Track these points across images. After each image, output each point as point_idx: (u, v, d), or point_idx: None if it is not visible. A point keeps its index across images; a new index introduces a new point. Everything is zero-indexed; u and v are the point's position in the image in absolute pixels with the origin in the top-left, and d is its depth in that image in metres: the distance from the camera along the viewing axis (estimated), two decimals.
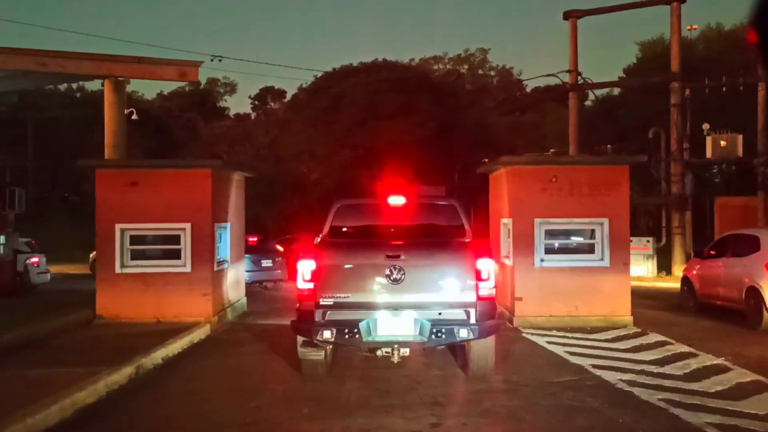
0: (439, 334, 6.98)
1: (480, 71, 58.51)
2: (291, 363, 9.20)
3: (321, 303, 7.10)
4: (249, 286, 17.67)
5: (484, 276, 7.10)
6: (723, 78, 25.13)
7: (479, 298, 7.09)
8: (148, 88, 64.40)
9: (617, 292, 11.95)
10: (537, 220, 12.01)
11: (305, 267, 7.14)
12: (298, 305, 7.32)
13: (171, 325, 11.51)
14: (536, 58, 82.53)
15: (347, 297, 7.11)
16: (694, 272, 13.73)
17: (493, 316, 7.33)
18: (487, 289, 7.13)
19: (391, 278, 7.06)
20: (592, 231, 12.08)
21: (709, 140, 24.49)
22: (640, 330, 11.48)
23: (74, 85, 48.01)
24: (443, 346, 8.30)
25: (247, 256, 17.48)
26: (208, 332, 11.62)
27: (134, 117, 17.99)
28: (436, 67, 55.11)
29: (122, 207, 11.95)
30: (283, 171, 32.12)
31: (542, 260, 12.02)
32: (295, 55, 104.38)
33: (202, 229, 11.98)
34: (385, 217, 8.29)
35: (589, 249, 12.16)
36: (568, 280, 11.97)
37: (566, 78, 21.77)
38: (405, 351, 7.18)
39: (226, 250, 13.16)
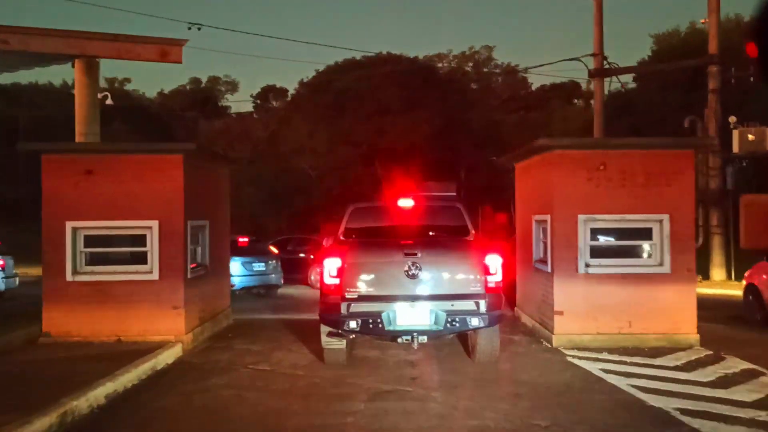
0: (454, 323, 7.55)
1: (485, 69, 56.08)
2: (275, 403, 6.74)
3: (347, 296, 7.58)
4: (238, 293, 15.24)
5: (491, 270, 7.63)
6: (750, 68, 22.66)
7: (488, 290, 7.63)
8: (149, 87, 62.14)
9: (680, 305, 9.47)
10: (581, 217, 9.54)
11: (332, 264, 7.61)
12: (323, 299, 7.76)
13: (133, 346, 9.09)
14: (542, 55, 79.83)
15: (370, 291, 7.62)
16: (764, 277, 11.24)
17: (500, 306, 7.81)
18: (494, 282, 7.65)
19: (409, 273, 7.60)
20: (649, 230, 9.61)
21: (736, 134, 22.03)
22: (711, 352, 9.00)
23: (69, 82, 45.61)
24: (452, 336, 8.82)
25: (236, 259, 15.05)
26: (178, 354, 9.17)
27: (109, 102, 15.56)
28: (440, 65, 52.63)
29: (74, 201, 9.52)
30: (283, 168, 29.69)
31: (587, 266, 9.54)
32: (296, 50, 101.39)
33: (172, 227, 9.54)
34: (395, 219, 8.74)
35: (645, 252, 9.70)
36: (619, 289, 9.50)
37: (589, 64, 19.29)
38: (423, 338, 7.71)
39: (204, 252, 10.70)
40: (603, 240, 9.76)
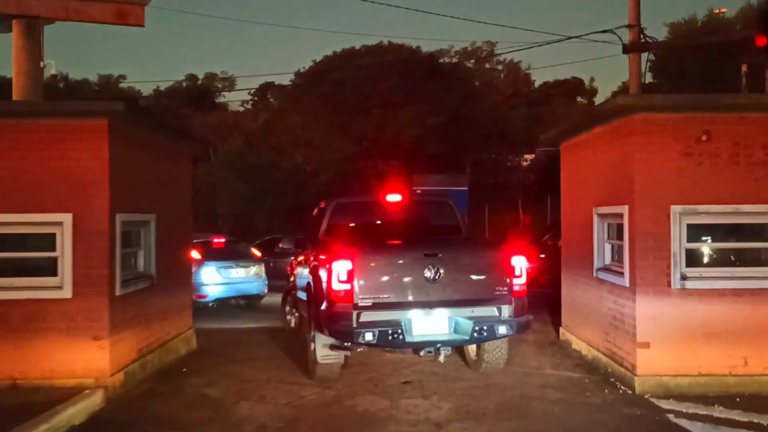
0: (482, 332, 6.43)
1: (487, 65, 53.20)
2: None
3: (359, 304, 6.33)
4: (212, 306, 12.20)
5: (517, 273, 6.67)
6: None
7: (514, 294, 6.64)
8: (144, 84, 59.19)
9: None
10: (675, 209, 6.48)
11: (341, 267, 6.35)
12: (328, 307, 6.44)
13: (32, 395, 6.09)
14: (544, 53, 76.45)
15: (386, 297, 6.41)
16: None
17: (525, 311, 6.75)
18: (519, 285, 6.68)
19: (429, 277, 6.45)
20: None
21: None
22: None
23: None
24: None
25: (210, 264, 12.05)
26: (96, 407, 6.11)
27: (53, 72, 12.48)
28: (441, 61, 49.60)
29: None
30: (276, 161, 26.58)
31: (684, 278, 6.48)
32: (290, 42, 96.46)
33: (92, 223, 6.46)
34: (382, 215, 7.96)
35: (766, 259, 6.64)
36: (729, 312, 6.44)
37: (618, 39, 16.21)
38: (447, 350, 6.63)
39: (148, 257, 7.61)
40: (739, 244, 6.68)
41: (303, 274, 8.15)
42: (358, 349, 6.82)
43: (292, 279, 9.43)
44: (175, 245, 8.54)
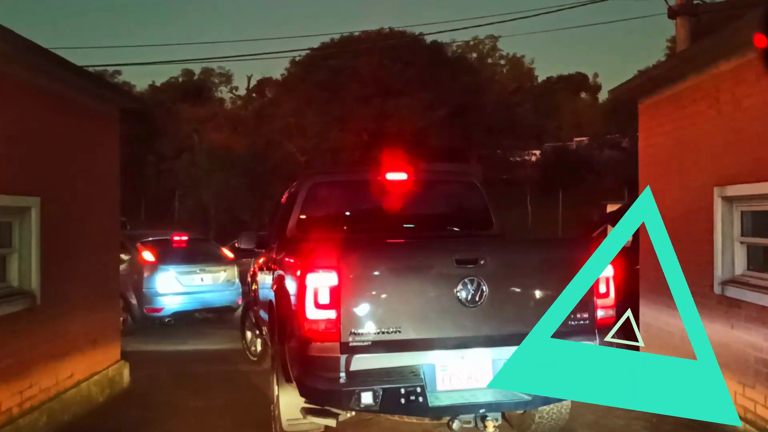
0: None
1: (489, 60, 50.60)
2: None
3: (351, 343, 3.65)
4: (169, 321, 9.41)
5: (602, 290, 3.97)
6: None
7: (598, 323, 3.91)
8: (139, 80, 56.71)
9: None
10: None
11: (320, 282, 3.67)
12: (299, 347, 3.81)
13: None
14: (547, 49, 73.28)
15: (396, 330, 3.71)
16: None
17: None
18: (606, 309, 3.98)
19: (465, 298, 3.75)
20: None
21: None
22: None
23: None
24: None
25: (166, 268, 9.30)
26: None
27: None
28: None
29: None
30: (266, 151, 23.78)
31: None
32: (285, 31, 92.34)
33: None
34: (380, 201, 5.28)
35: None
36: None
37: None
38: (497, 418, 3.86)
39: (28, 265, 4.77)
40: None
41: (265, 284, 5.46)
42: (348, 415, 4.12)
43: (254, 288, 6.79)
44: (88, 245, 5.69)
